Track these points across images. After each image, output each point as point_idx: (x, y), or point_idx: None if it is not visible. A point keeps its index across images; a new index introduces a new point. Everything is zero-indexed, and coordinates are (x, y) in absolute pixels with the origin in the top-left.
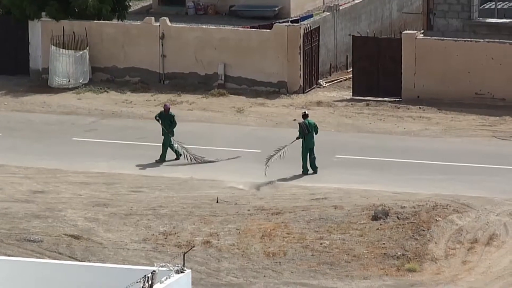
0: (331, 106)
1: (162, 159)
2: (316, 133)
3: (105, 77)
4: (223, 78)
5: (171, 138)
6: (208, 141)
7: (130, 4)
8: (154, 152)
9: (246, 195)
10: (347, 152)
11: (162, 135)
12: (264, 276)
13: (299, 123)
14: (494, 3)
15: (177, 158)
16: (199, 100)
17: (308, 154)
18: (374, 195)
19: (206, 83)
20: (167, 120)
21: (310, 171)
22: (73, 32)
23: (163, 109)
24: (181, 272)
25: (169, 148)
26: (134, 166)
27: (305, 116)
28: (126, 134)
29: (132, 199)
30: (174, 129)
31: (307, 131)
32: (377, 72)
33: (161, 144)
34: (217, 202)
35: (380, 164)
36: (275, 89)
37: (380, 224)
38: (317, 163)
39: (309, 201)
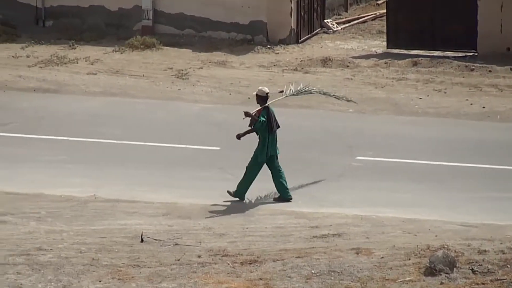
0: (348, 66)
1: None
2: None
3: None
4: (151, 17)
5: None
6: (125, 131)
7: None
8: (22, 150)
9: (194, 228)
10: (377, 150)
11: None
12: None
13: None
14: None
15: None
16: (108, 56)
17: (260, 169)
18: (427, 227)
19: (120, 26)
20: None
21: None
22: None
23: None
24: None
25: None
26: None
27: (262, 97)
28: None
29: None
30: None
31: (273, 127)
32: (432, 7)
33: None
34: (142, 241)
35: (435, 171)
36: (246, 37)
37: (441, 283)
38: (319, 169)
39: (310, 240)
